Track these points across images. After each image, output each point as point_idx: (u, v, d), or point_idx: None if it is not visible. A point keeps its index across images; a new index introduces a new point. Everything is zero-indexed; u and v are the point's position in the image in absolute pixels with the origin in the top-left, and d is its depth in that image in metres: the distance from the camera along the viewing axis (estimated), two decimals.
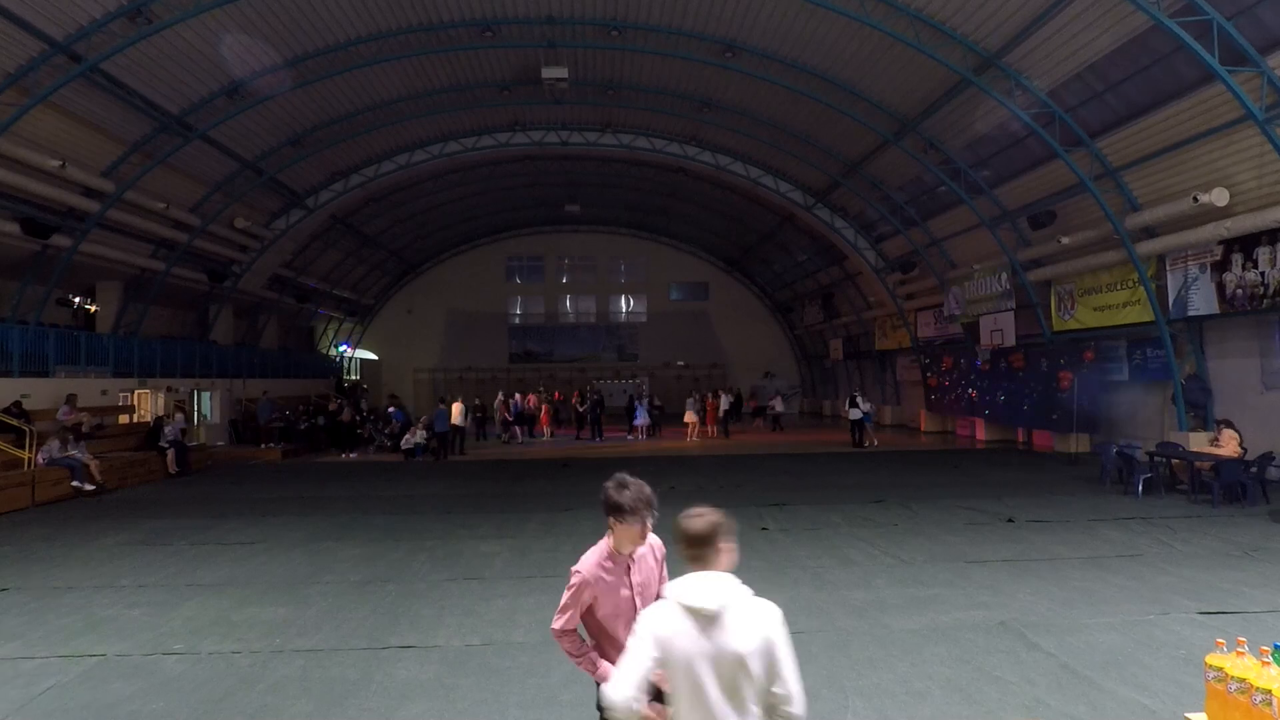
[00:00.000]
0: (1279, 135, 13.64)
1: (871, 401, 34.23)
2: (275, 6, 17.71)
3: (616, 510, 3.26)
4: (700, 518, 2.75)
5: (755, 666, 2.55)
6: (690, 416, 28.45)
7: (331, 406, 27.89)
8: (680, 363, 44.94)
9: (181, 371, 25.05)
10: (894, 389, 34.28)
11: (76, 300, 23.63)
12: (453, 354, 44.59)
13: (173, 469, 19.40)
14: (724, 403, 29.79)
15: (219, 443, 25.19)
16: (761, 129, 25.68)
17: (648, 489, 3.32)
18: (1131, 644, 6.61)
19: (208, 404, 26.77)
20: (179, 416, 20.84)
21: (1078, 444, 20.63)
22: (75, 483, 16.00)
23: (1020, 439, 24.61)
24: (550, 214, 41.49)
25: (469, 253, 45.08)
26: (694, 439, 27.77)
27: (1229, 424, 14.23)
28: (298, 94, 21.58)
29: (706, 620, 2.57)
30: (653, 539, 3.49)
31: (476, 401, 30.95)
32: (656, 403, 32.64)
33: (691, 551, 2.72)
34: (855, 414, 24.45)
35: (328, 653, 6.71)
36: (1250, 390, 16.59)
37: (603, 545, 3.40)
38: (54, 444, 16.24)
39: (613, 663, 3.22)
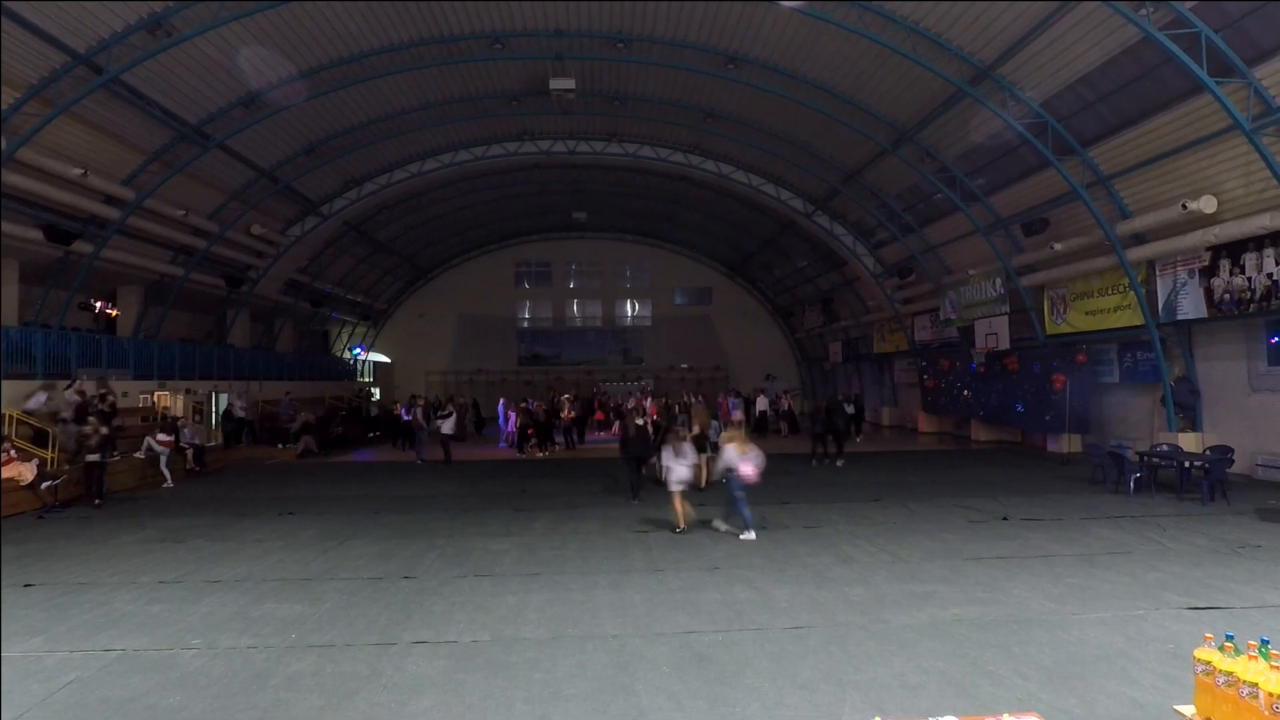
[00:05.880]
0: (1266, 145, 13.61)
1: (866, 402, 34.29)
2: (291, 20, 17.77)
3: None
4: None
5: None
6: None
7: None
8: (684, 365, 44.89)
9: (200, 374, 25.12)
10: (892, 391, 34.27)
11: (98, 305, 23.71)
12: (463, 357, 44.59)
13: (192, 468, 19.37)
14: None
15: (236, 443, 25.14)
16: (763, 138, 25.66)
17: None
18: (1122, 639, 6.61)
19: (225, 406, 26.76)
20: (187, 429, 20.46)
21: (1070, 444, 20.57)
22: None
23: (1020, 439, 24.52)
24: (558, 221, 41.56)
25: (479, 258, 45.10)
26: None
27: None
28: (312, 104, 21.62)
29: None
30: None
31: (462, 400, 30.12)
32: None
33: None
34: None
35: (340, 648, 6.73)
36: (1238, 392, 16.55)
37: None
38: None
39: None
